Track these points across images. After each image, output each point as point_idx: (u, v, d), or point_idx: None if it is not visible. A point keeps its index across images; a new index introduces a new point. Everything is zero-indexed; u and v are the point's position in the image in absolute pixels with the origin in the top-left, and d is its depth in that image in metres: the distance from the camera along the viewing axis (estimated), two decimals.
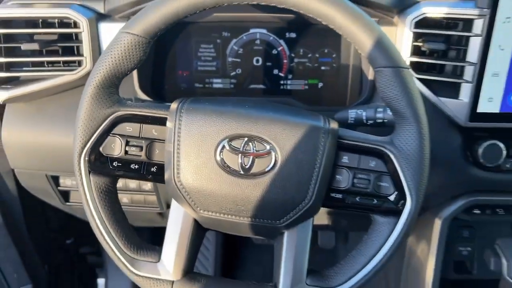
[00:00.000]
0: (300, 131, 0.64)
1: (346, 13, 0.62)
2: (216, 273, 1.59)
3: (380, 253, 0.66)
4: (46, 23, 0.90)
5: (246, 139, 0.64)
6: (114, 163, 0.68)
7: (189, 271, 0.70)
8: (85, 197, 0.68)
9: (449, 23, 0.84)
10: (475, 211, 0.92)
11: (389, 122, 0.75)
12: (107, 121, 0.67)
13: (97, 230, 0.69)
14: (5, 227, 1.22)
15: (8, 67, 0.90)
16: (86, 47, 0.89)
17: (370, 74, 0.91)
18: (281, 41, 0.95)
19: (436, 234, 0.93)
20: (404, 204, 0.65)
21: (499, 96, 0.83)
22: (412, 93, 0.63)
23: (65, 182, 1.01)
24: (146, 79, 0.96)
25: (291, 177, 0.64)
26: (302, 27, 0.95)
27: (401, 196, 0.65)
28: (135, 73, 0.92)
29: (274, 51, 0.96)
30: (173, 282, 0.68)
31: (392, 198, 0.66)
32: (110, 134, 0.67)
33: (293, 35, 0.95)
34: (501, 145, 0.84)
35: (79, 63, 0.90)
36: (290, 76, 0.98)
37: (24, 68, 0.90)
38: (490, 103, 0.83)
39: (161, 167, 0.67)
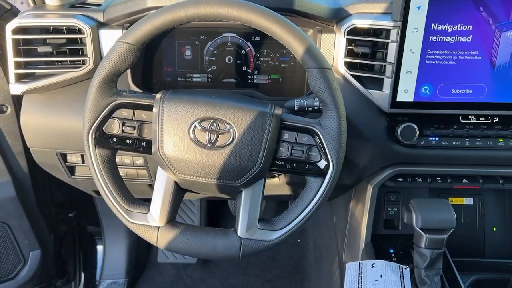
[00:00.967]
0: (252, 114, 0.87)
1: (283, 27, 0.85)
2: (199, 260, 1.83)
3: (311, 204, 0.89)
4: (56, 30, 1.11)
5: (212, 120, 0.87)
6: (114, 139, 0.90)
7: (171, 220, 0.93)
8: (92, 165, 0.91)
9: (376, 31, 1.08)
10: (399, 179, 1.15)
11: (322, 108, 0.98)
12: (108, 107, 0.89)
13: (101, 189, 0.91)
14: (18, 200, 1.42)
15: (26, 65, 1.11)
16: (89, 49, 1.10)
17: None
18: (248, 43, 1.13)
19: (368, 198, 1.17)
20: (328, 168, 0.89)
21: (412, 88, 1.06)
22: (333, 87, 0.87)
23: (72, 159, 1.21)
24: (138, 75, 1.18)
25: (245, 148, 0.87)
26: (265, 33, 1.18)
27: (326, 162, 0.89)
28: (129, 70, 1.14)
29: (243, 52, 1.13)
30: (158, 227, 0.91)
31: (319, 164, 0.89)
32: (111, 117, 0.89)
33: (258, 38, 1.12)
34: (415, 126, 1.08)
35: (83, 62, 1.11)
36: (256, 72, 1.15)
37: (39, 66, 1.08)
38: (405, 94, 1.07)
39: (149, 142, 0.90)
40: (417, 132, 1.07)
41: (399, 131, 1.07)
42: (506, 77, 1.03)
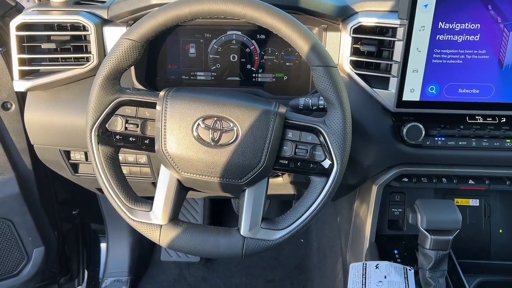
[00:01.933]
0: (256, 113, 0.87)
1: (288, 24, 0.84)
2: (202, 258, 1.82)
3: (315, 204, 0.89)
4: (60, 26, 1.11)
5: (215, 118, 0.86)
6: (117, 136, 0.90)
7: (174, 218, 0.92)
8: (95, 162, 0.91)
9: (382, 29, 1.07)
10: (404, 180, 1.14)
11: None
12: (111, 104, 0.89)
13: (104, 186, 0.91)
14: (21, 197, 1.41)
15: (30, 62, 1.10)
16: (93, 46, 1.10)
17: None
18: (253, 41, 1.11)
19: (373, 198, 1.16)
20: (332, 167, 0.88)
21: (419, 88, 1.05)
22: (338, 86, 0.86)
23: (75, 156, 1.21)
24: (142, 72, 1.17)
25: (249, 147, 0.86)
26: (270, 31, 1.17)
27: (330, 162, 0.88)
28: (132, 67, 1.13)
29: (247, 50, 1.12)
30: (161, 226, 0.91)
31: (323, 163, 0.88)
32: (114, 115, 0.89)
33: (263, 36, 1.10)
34: (421, 126, 1.06)
35: (87, 59, 1.10)
36: (260, 70, 1.14)
37: (43, 63, 1.07)
38: (412, 93, 1.06)
39: (152, 140, 0.90)
40: (423, 132, 1.06)
41: (404, 130, 1.06)
42: None
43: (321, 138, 0.87)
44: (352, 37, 1.05)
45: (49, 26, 1.10)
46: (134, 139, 0.89)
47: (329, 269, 1.54)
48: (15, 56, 1.07)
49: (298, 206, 0.89)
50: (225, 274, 1.83)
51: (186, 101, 0.86)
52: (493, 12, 0.97)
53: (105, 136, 0.89)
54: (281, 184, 1.26)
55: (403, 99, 1.05)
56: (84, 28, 1.09)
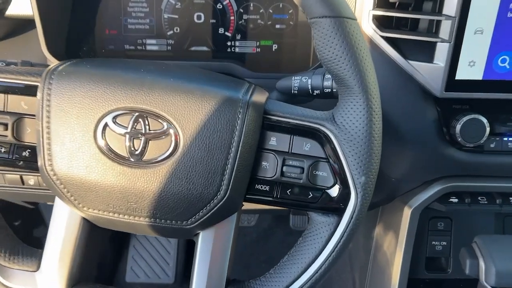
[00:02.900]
0: (210, 104, 0.48)
1: None
2: (177, 279, 1.44)
3: (317, 262, 0.51)
4: None
5: (136, 114, 0.48)
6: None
7: (79, 281, 0.55)
8: None
9: None
10: (452, 200, 0.77)
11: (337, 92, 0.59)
12: None
13: None
14: None
15: None
16: None
17: None
18: None
19: (405, 226, 0.78)
20: (347, 199, 0.50)
21: (483, 59, 0.66)
22: (358, 52, 0.47)
23: None
24: (59, 39, 0.80)
25: (198, 165, 0.48)
26: None
27: (343, 189, 0.50)
28: (40, 30, 0.75)
29: (219, 6, 0.82)
30: None
31: (331, 191, 0.50)
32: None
33: None
34: (484, 120, 0.68)
35: None
36: (238, 37, 0.84)
37: None
38: (471, 68, 0.67)
39: (35, 151, 0.52)
40: (487, 129, 0.68)
41: (458, 127, 0.68)
42: None
43: (329, 148, 0.49)
44: None
45: None
46: (3, 150, 0.52)
47: None
48: None
49: (289, 264, 0.53)
50: None
51: (84, 83, 0.48)
52: None
53: None
54: None
55: (456, 78, 0.66)
56: None
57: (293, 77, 0.63)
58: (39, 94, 0.49)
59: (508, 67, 0.67)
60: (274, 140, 0.51)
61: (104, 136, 0.48)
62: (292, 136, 0.51)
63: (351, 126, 0.49)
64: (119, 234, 0.54)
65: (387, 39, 0.69)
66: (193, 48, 0.85)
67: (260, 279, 0.54)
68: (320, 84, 0.60)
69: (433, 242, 0.80)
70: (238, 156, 0.48)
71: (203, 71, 0.55)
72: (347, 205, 0.50)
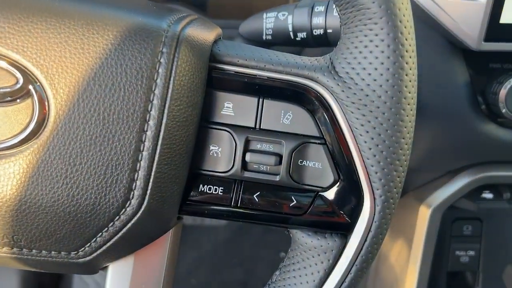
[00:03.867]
0: (106, 39, 0.26)
1: None
2: None
3: None
4: None
5: None
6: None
7: None
8: None
9: None
10: (485, 195, 0.56)
11: (335, 34, 0.37)
12: None
13: None
14: None
15: None
16: None
17: None
18: None
19: (421, 232, 0.58)
20: (357, 210, 0.29)
21: None
22: None
23: None
24: None
25: (87, 153, 0.27)
26: None
27: (351, 192, 0.29)
28: None
29: None
30: None
31: (329, 194, 0.29)
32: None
33: None
34: None
35: None
36: None
37: None
38: None
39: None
40: None
41: (502, 92, 0.47)
42: None
43: (324, 119, 0.27)
44: None
45: None
46: None
47: None
48: None
49: None
50: None
51: None
52: None
53: None
54: None
55: (501, 21, 0.46)
56: None
57: (264, 14, 0.41)
58: None
59: None
60: (230, 108, 0.29)
61: None
62: (261, 100, 0.29)
63: (365, 79, 0.27)
64: None
65: None
66: None
67: None
68: (307, 22, 0.38)
69: (457, 252, 0.59)
70: (161, 137, 0.27)
71: None
72: (357, 219, 0.29)
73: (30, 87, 0.26)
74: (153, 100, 0.26)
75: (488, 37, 0.47)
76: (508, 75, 0.49)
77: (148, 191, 0.27)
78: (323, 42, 0.38)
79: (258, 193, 0.30)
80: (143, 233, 0.29)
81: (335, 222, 0.30)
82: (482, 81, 0.51)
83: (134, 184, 0.27)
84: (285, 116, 0.29)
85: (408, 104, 0.28)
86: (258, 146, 0.29)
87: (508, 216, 0.58)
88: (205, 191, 0.30)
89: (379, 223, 0.29)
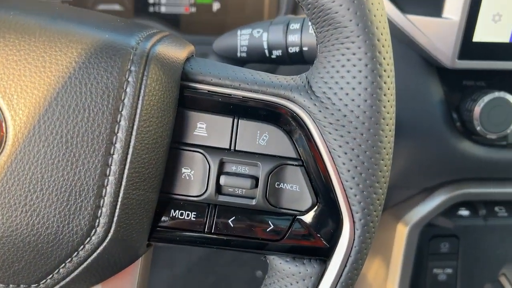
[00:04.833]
0: (70, 56, 0.25)
1: None
2: None
3: None
4: None
5: None
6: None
7: None
8: None
9: None
10: (461, 212, 0.56)
11: (311, 52, 0.36)
12: None
13: None
14: None
15: None
16: None
17: None
18: None
19: (398, 250, 0.57)
20: (336, 234, 0.28)
21: None
22: None
23: None
24: None
25: (48, 178, 0.25)
26: None
27: (330, 215, 0.28)
28: None
29: None
30: None
31: (307, 218, 0.28)
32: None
33: None
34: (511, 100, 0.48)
35: None
36: None
37: None
38: (496, 24, 0.46)
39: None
40: None
41: (477, 109, 0.47)
42: None
43: (301, 140, 0.26)
44: None
45: None
46: None
47: None
48: None
49: None
50: None
51: None
52: None
53: None
54: None
55: (474, 40, 0.46)
56: None
57: (238, 31, 0.40)
58: None
59: None
60: (203, 128, 0.28)
61: None
62: (235, 120, 0.28)
63: (342, 98, 0.27)
64: None
65: None
66: (100, 7, 0.62)
67: None
68: (283, 40, 0.37)
69: (435, 270, 0.59)
70: (128, 160, 0.25)
71: (78, 10, 0.31)
72: (336, 243, 0.28)
73: None
74: (120, 121, 0.25)
75: (462, 55, 0.47)
76: (482, 92, 0.49)
77: (115, 218, 0.25)
78: (299, 60, 0.38)
79: (233, 217, 0.28)
80: (110, 262, 0.27)
81: (313, 247, 0.29)
82: (456, 98, 0.52)
83: (99, 211, 0.25)
84: (261, 137, 0.28)
85: (387, 125, 0.27)
86: (233, 168, 0.28)
87: (484, 233, 0.58)
88: (176, 216, 0.28)
89: (359, 247, 0.28)
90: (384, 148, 0.27)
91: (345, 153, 0.27)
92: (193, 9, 0.63)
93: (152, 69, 0.26)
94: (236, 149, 0.28)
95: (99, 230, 0.25)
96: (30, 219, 0.25)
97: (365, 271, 0.65)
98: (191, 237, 0.29)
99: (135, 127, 0.25)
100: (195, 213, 0.28)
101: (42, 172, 0.24)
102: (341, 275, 0.28)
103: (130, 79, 0.25)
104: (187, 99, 0.28)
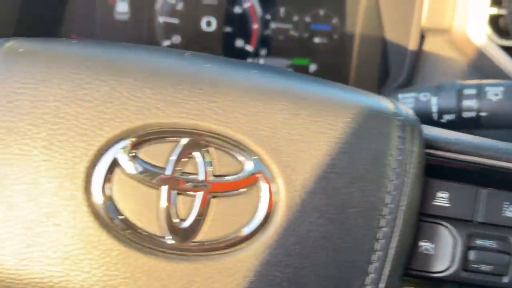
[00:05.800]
0: (341, 122, 0.24)
1: None
2: None
3: None
4: None
5: (185, 141, 0.22)
6: None
7: None
8: None
9: None
10: None
11: (490, 117, 0.36)
12: None
13: None
14: None
15: None
16: None
17: (411, 42, 0.53)
18: None
19: None
20: None
21: None
22: None
23: None
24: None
25: (319, 254, 0.23)
26: None
27: None
28: None
29: (237, 9, 0.63)
30: None
31: None
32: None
33: None
34: None
35: None
36: (263, 52, 0.64)
37: None
38: None
39: None
40: None
41: None
42: None
43: None
44: None
45: None
46: None
47: None
48: None
49: None
50: None
51: (74, 73, 0.22)
52: None
53: None
54: None
55: None
56: None
57: (399, 95, 0.39)
58: None
59: None
60: (446, 198, 0.26)
61: (111, 187, 0.21)
62: (480, 189, 0.26)
63: None
64: None
65: (506, 49, 0.48)
66: None
67: None
68: (456, 105, 0.37)
69: None
70: (397, 234, 0.23)
71: (297, 74, 0.30)
72: None
73: (259, 175, 0.22)
74: (390, 191, 0.23)
75: None
76: None
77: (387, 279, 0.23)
78: (473, 125, 0.37)
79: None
80: None
81: None
82: None
83: (372, 269, 0.23)
84: (509, 208, 0.26)
85: None
86: (481, 242, 0.26)
87: None
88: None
89: None
90: None
91: None
92: (290, 70, 0.63)
93: (417, 135, 0.24)
94: (481, 220, 0.26)
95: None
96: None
97: None
98: None
99: (402, 195, 0.23)
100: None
101: (312, 244, 0.22)
102: None
103: (402, 146, 0.23)
104: (428, 166, 0.26)
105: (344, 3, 0.64)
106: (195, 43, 0.64)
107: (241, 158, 0.22)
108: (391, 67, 0.57)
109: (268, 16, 0.64)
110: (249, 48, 0.63)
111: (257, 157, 0.22)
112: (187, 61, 0.25)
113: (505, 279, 0.26)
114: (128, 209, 0.22)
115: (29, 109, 0.21)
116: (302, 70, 0.64)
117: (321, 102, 0.24)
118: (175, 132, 0.22)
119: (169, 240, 0.22)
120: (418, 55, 0.53)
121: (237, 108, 0.23)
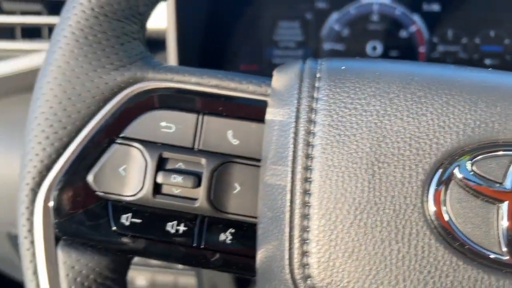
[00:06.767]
0: None
1: None
2: None
3: None
4: None
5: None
6: (124, 218, 0.26)
7: None
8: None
9: None
10: None
11: None
12: (109, 106, 0.27)
13: None
14: None
15: None
16: None
17: None
18: (416, 16, 0.63)
19: None
20: None
21: None
22: None
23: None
24: None
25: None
26: None
27: None
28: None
29: (403, 33, 0.63)
30: None
31: None
32: (118, 141, 0.26)
33: (435, 7, 0.63)
34: None
35: None
36: None
37: None
38: None
39: (245, 230, 0.26)
40: None
41: None
42: None
43: None
44: None
45: None
46: (182, 229, 0.25)
47: None
48: None
49: None
50: None
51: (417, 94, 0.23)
52: None
53: (80, 217, 0.26)
54: None
55: None
56: None
57: None
58: (280, 113, 0.24)
59: None
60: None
61: (445, 200, 0.21)
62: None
63: None
64: None
65: None
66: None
67: None
68: None
69: None
70: None
71: None
72: None
73: None
74: None
75: None
76: None
77: None
78: None
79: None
80: None
81: None
82: None
83: None
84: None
85: None
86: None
87: None
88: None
89: None
90: None
91: None
92: None
93: None
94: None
95: None
96: None
97: None
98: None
99: None
100: None
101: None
102: None
103: None
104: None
105: None
106: None
107: None
108: None
109: (435, 39, 0.63)
110: None
111: None
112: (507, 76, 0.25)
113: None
114: (464, 225, 0.21)
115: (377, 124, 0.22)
116: None
117: None
118: (510, 146, 0.22)
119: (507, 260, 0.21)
120: None
121: None
